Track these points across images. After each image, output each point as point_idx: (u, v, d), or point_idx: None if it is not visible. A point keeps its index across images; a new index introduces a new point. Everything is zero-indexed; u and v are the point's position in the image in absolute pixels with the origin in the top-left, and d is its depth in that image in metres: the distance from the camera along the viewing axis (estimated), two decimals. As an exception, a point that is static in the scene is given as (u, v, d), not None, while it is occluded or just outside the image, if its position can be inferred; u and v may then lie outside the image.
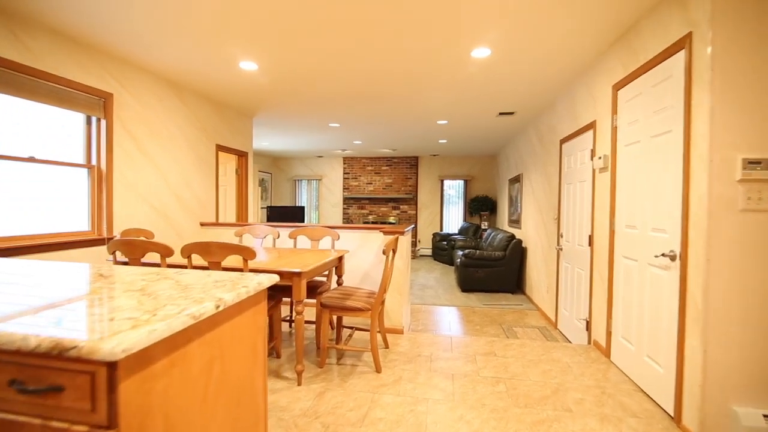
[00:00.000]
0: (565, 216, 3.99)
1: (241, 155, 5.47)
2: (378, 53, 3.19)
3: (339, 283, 3.22)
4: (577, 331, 3.55)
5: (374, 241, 3.79)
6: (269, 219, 9.43)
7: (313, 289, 3.12)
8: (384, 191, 10.10)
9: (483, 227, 8.99)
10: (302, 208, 9.70)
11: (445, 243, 8.81)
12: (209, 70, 3.61)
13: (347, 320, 3.66)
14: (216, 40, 2.97)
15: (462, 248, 7.62)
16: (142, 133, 3.63)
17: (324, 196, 10.53)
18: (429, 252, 9.93)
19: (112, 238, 3.28)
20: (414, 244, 9.93)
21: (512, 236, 6.03)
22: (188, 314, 0.95)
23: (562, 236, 4.06)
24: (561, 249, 4.05)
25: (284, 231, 4.01)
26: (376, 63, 3.40)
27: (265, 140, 7.73)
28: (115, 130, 3.32)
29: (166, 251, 2.38)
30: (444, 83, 3.95)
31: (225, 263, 2.48)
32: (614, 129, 2.88)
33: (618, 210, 2.82)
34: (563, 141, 4.09)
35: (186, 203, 4.29)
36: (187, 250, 2.38)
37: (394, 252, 2.91)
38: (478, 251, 6.00)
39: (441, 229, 9.99)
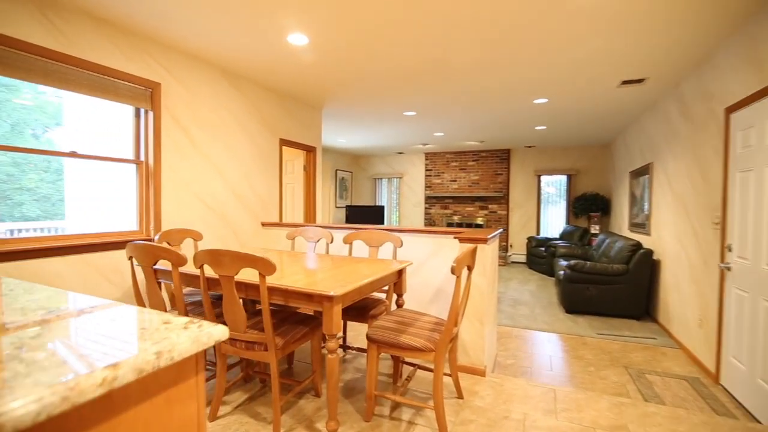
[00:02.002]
0: (736, 220, 2.69)
1: (309, 150, 5.09)
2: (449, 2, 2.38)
3: (399, 305, 2.50)
4: (764, 399, 2.29)
5: (449, 248, 2.99)
6: (348, 219, 9.12)
7: (366, 310, 2.45)
8: (470, 189, 9.07)
9: (593, 232, 7.43)
10: (382, 208, 9.19)
11: (542, 249, 7.48)
12: (259, 49, 3.18)
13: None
14: (263, 11, 2.48)
15: (565, 257, 6.30)
16: (194, 126, 3.36)
17: (405, 195, 9.91)
18: (523, 259, 8.62)
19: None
20: (505, 249, 8.72)
21: (637, 244, 4.63)
22: None
23: (730, 249, 2.75)
24: (729, 268, 2.75)
25: (339, 234, 3.43)
26: (448, 15, 2.59)
27: (341, 137, 7.37)
28: (163, 123, 3.08)
29: (177, 260, 1.93)
30: (543, 38, 2.96)
31: (239, 278, 1.93)
32: None
33: None
34: (731, 109, 2.78)
35: (246, 201, 3.98)
36: (199, 260, 1.89)
37: (470, 269, 2.08)
38: (588, 262, 4.74)
39: (538, 233, 8.59)
